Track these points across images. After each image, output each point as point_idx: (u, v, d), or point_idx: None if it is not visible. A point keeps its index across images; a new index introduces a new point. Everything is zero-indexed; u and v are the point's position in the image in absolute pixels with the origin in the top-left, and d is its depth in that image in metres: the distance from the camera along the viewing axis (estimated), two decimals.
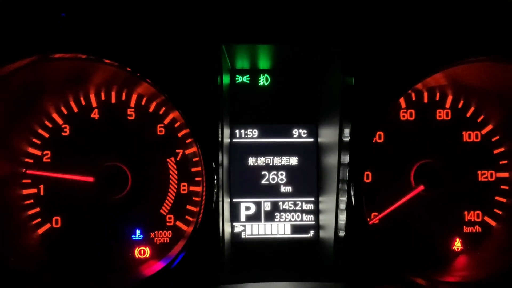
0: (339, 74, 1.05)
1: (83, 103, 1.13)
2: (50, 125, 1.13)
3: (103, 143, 1.13)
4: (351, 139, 1.00)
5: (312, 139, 1.20)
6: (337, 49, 1.05)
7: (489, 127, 1.19)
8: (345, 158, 1.02)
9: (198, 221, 1.02)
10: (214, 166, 1.00)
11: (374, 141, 1.16)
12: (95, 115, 1.13)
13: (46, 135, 1.13)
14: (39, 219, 1.12)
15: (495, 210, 1.19)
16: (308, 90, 1.21)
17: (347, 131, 1.01)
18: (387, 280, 1.01)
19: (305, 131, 1.20)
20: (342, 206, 1.03)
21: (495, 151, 1.19)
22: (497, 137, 1.19)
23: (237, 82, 1.20)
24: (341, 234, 1.04)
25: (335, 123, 1.05)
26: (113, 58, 0.98)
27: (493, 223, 1.19)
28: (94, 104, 1.13)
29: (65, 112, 1.13)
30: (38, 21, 0.93)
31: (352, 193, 1.00)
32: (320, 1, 1.00)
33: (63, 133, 1.13)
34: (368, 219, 1.16)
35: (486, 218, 1.19)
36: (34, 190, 1.12)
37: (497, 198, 1.19)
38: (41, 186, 1.12)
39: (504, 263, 1.10)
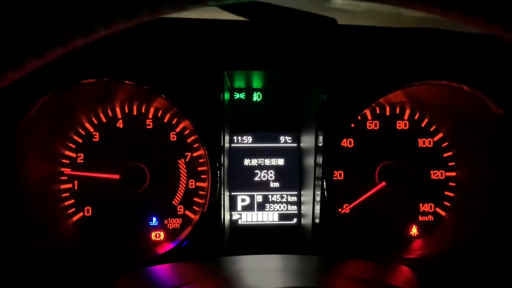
0: (315, 92, 1.16)
1: (110, 114, 1.24)
2: (83, 132, 1.23)
3: (126, 147, 1.23)
4: (324, 144, 1.11)
5: (295, 144, 1.31)
6: (314, 73, 1.16)
7: (440, 135, 1.30)
8: (320, 160, 1.13)
9: (204, 210, 1.14)
10: (217, 165, 1.11)
11: (345, 146, 1.29)
12: (120, 124, 1.24)
13: (80, 140, 1.23)
14: (73, 209, 1.22)
15: (445, 202, 1.30)
16: (292, 104, 1.31)
17: (320, 138, 1.12)
18: (354, 255, 1.11)
19: (290, 138, 1.31)
20: (317, 198, 1.14)
21: (445, 155, 1.30)
22: (447, 143, 1.30)
23: (235, 98, 1.31)
24: (317, 221, 1.15)
25: (313, 131, 1.16)
26: (132, 79, 1.09)
27: (443, 213, 1.30)
28: (119, 115, 1.24)
29: (95, 122, 1.23)
30: (65, 56, 1.03)
31: (325, 187, 1.12)
32: (298, 37, 1.12)
33: (93, 139, 1.23)
34: (340, 209, 1.26)
35: (438, 209, 1.30)
36: (70, 185, 1.22)
37: (446, 193, 1.30)
38: (76, 182, 1.22)
39: (450, 244, 1.22)
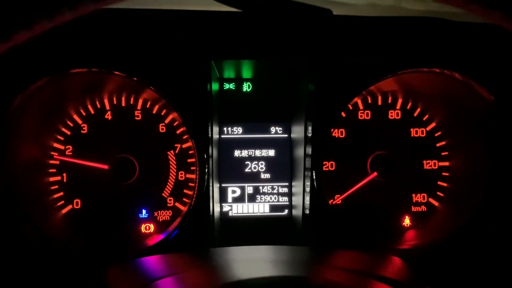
0: (305, 82, 1.16)
1: (98, 106, 1.23)
2: (71, 125, 1.23)
3: (115, 139, 1.23)
4: (313, 135, 1.11)
5: (286, 135, 1.32)
6: (303, 63, 1.15)
7: (433, 124, 1.29)
8: (309, 150, 1.13)
9: (192, 202, 1.14)
10: (205, 157, 1.11)
11: (337, 136, 1.28)
12: (108, 116, 1.24)
13: (68, 132, 1.23)
14: (62, 201, 1.23)
15: (438, 193, 1.30)
16: (282, 95, 1.30)
17: (310, 128, 1.12)
18: (346, 246, 1.09)
19: (281, 128, 1.32)
20: (307, 189, 1.14)
21: (438, 144, 1.30)
22: (440, 132, 1.30)
23: (224, 88, 1.31)
24: (307, 212, 1.15)
25: (303, 121, 1.16)
26: (122, 70, 1.09)
27: (436, 203, 1.30)
28: (107, 107, 1.24)
29: (84, 114, 1.23)
30: (56, 45, 1.05)
31: (314, 178, 1.12)
32: (290, 27, 1.11)
33: (82, 131, 1.23)
34: (332, 200, 1.26)
35: (431, 200, 1.30)
36: (59, 178, 1.22)
37: (439, 183, 1.30)
38: (64, 174, 1.22)
39: (443, 235, 1.21)
